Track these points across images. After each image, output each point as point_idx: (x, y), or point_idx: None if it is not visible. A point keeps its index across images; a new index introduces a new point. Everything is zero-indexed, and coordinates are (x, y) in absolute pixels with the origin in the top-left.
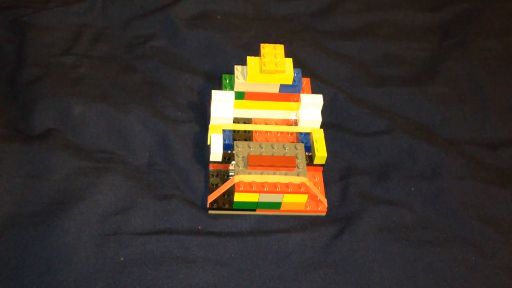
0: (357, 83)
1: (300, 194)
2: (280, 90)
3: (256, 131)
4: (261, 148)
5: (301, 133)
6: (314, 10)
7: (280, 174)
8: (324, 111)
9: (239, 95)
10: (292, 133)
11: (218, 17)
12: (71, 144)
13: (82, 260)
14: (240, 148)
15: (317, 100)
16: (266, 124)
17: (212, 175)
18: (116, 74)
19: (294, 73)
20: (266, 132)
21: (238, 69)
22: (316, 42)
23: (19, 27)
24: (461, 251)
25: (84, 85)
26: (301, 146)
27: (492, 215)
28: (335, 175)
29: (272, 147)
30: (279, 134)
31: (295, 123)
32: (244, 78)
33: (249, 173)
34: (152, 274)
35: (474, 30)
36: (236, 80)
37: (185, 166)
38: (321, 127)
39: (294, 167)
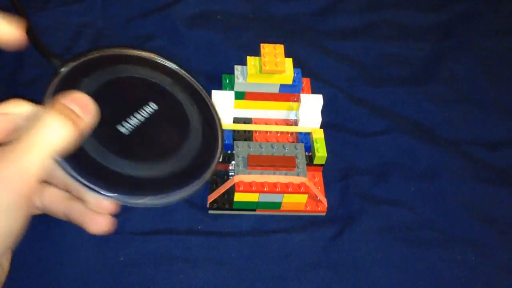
0: (357, 83)
1: (300, 194)
2: (280, 90)
3: (256, 131)
4: (261, 148)
5: (301, 133)
6: (314, 10)
7: (280, 174)
8: (324, 111)
9: (239, 95)
10: (292, 133)
11: (218, 17)
12: None
13: (82, 260)
14: (240, 148)
15: (317, 100)
16: (266, 124)
17: (212, 175)
18: None
19: (294, 73)
20: (266, 132)
21: (238, 69)
22: (316, 42)
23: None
24: (461, 251)
25: None
26: (301, 146)
27: (492, 215)
28: (335, 175)
29: (272, 147)
30: (279, 134)
31: (295, 123)
32: (244, 78)
33: (249, 173)
34: (152, 274)
35: (474, 30)
36: (236, 80)
37: None
38: (321, 127)
39: (294, 167)
